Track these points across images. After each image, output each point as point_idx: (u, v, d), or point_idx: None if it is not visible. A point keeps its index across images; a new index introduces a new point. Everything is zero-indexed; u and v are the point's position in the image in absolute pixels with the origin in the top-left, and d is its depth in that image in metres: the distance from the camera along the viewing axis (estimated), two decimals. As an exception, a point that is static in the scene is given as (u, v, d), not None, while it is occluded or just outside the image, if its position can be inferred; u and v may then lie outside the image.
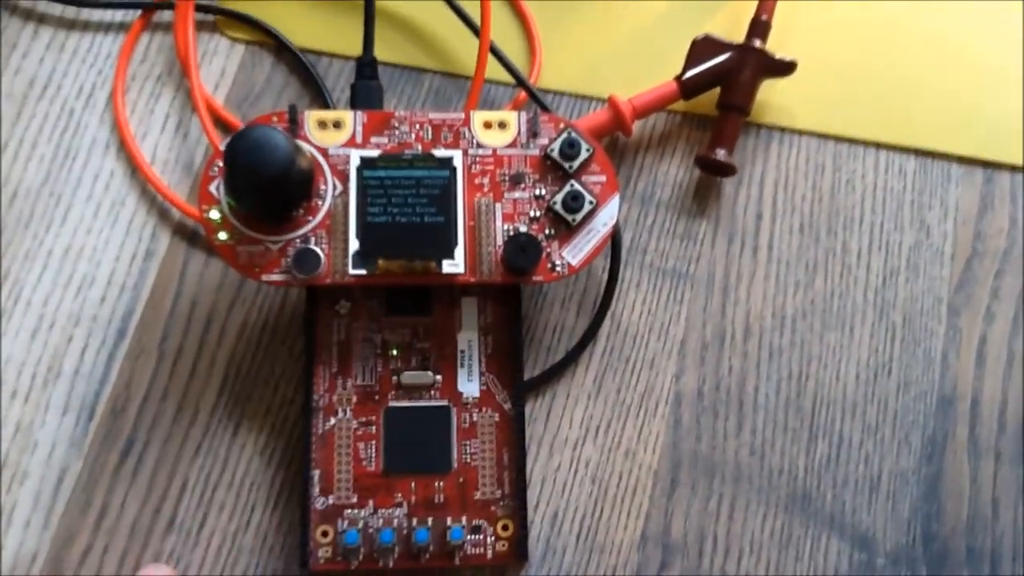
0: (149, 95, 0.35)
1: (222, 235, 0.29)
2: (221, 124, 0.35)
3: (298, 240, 0.29)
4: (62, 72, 0.35)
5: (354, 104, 0.33)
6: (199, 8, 0.36)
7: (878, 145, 0.35)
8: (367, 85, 0.33)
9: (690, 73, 0.34)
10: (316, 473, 0.30)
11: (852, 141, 0.35)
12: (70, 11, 0.36)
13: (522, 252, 0.29)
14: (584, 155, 0.30)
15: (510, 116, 0.31)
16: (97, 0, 0.36)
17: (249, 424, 0.32)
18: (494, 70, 0.35)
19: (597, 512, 0.31)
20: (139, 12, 0.36)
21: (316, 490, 0.30)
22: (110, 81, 0.35)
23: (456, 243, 0.29)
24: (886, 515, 0.31)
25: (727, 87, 0.34)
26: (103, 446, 0.31)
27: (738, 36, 0.34)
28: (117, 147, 0.35)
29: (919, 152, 0.35)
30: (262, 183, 0.27)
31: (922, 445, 0.32)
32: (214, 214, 0.29)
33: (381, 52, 0.34)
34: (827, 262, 0.34)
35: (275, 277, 0.29)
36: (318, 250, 0.29)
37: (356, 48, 0.35)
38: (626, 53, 0.36)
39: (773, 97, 0.35)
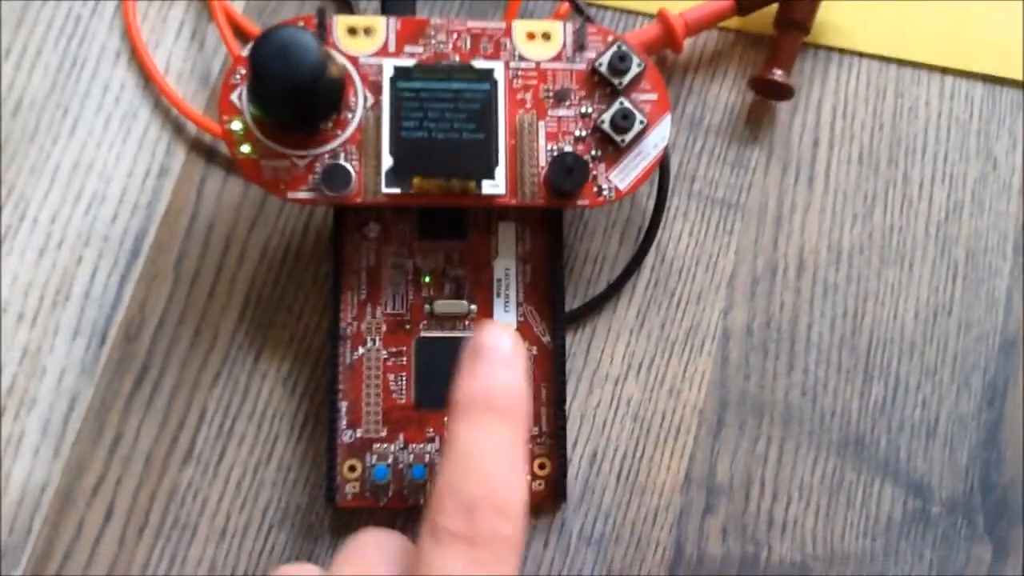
0: (162, 1, 0.33)
1: (245, 148, 0.27)
2: (240, 33, 0.32)
3: (327, 155, 0.27)
4: (68, -25, 0.33)
5: (385, 11, 0.30)
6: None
7: (943, 70, 0.33)
8: (398, -10, 0.30)
9: (747, -13, 0.31)
10: (344, 405, 0.28)
11: (916, 65, 0.33)
12: (76, -92, 0.33)
13: (568, 173, 0.27)
14: (635, 71, 0.28)
15: (555, 27, 0.29)
16: None
17: (271, 352, 0.30)
18: (534, -19, 0.32)
19: (639, 452, 0.30)
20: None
21: (343, 422, 0.28)
22: (120, -15, 0.33)
23: (497, 162, 0.27)
24: (943, 462, 0.30)
25: (786, 3, 0.31)
26: (116, 372, 0.30)
27: (798, -51, 0.32)
28: (128, 56, 0.32)
29: (987, 79, 0.33)
30: (291, 88, 0.25)
31: (983, 389, 0.30)
32: (236, 125, 0.27)
33: (412, -41, 0.32)
34: (887, 194, 0.32)
35: (302, 195, 0.27)
36: (348, 166, 0.27)
37: (386, -47, 0.32)
38: (676, -34, 0.33)
39: (833, 17, 0.33)
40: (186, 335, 0.30)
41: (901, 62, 0.33)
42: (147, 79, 0.32)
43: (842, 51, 0.33)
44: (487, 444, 0.22)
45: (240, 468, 0.29)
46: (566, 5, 0.32)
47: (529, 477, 0.28)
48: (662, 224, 0.31)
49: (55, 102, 0.32)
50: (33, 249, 0.30)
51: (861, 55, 0.33)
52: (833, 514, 0.29)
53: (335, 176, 0.27)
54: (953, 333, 0.31)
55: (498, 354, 0.23)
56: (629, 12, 0.33)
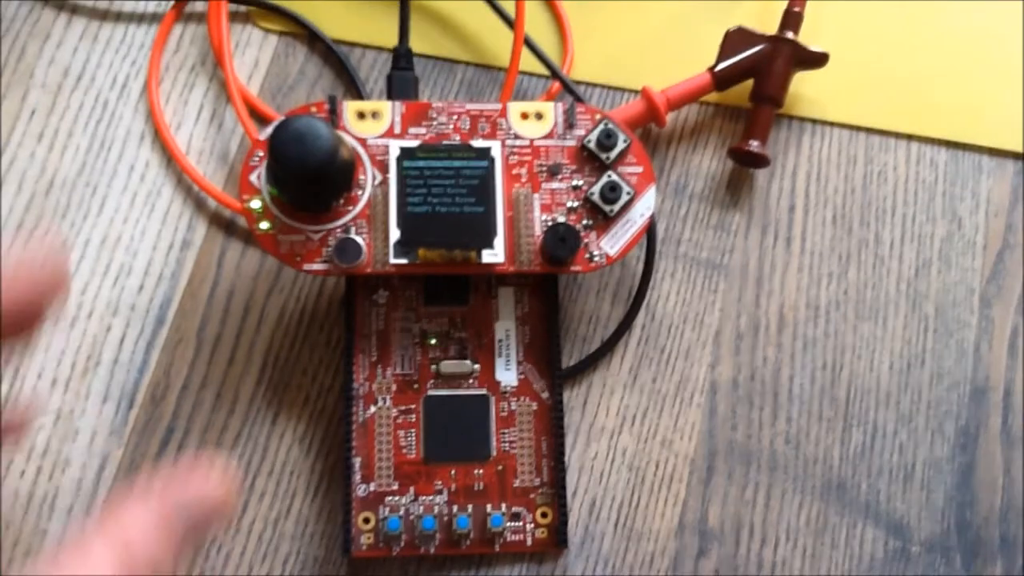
0: (183, 86, 0.35)
1: (264, 224, 0.29)
2: (255, 115, 0.35)
3: (339, 229, 0.30)
4: (96, 63, 0.36)
5: (390, 95, 0.33)
6: (232, -1, 0.36)
7: (909, 137, 0.35)
8: (403, 76, 0.33)
9: (723, 65, 0.34)
10: (357, 460, 0.30)
11: (883, 133, 0.35)
12: (103, 2, 0.36)
13: (561, 242, 0.30)
14: (621, 146, 0.31)
15: (547, 107, 0.31)
16: (131, -9, 0.36)
17: (288, 412, 0.32)
18: (526, 62, 0.35)
19: (634, 500, 0.32)
20: (172, 2, 0.36)
21: (358, 477, 0.30)
22: (144, 72, 0.35)
23: (495, 233, 0.30)
24: (920, 504, 0.32)
25: (760, 79, 0.34)
26: (143, 434, 0.32)
27: (769, 28, 0.34)
28: (152, 137, 0.35)
29: (950, 144, 0.35)
30: (307, 172, 0.28)
31: (956, 435, 0.32)
32: (256, 203, 0.30)
33: (413, 43, 0.34)
34: (860, 253, 0.34)
35: (317, 266, 0.29)
36: (359, 239, 0.29)
37: (388, 39, 0.35)
38: (658, 44, 0.36)
39: (805, 89, 0.35)
40: (208, 398, 0.32)
41: (870, 130, 0.35)
42: (170, 158, 0.35)
43: (814, 121, 0.35)
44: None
45: (261, 523, 0.31)
46: (557, 85, 0.35)
47: (533, 525, 0.30)
48: (651, 285, 0.33)
49: (85, 181, 0.34)
50: (65, 318, 0.33)
51: (832, 124, 0.35)
52: (819, 555, 0.31)
53: (347, 249, 0.29)
54: (926, 383, 0.33)
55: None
56: (615, 88, 0.36)
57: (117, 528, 0.20)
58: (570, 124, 0.31)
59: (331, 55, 0.36)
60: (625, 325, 0.33)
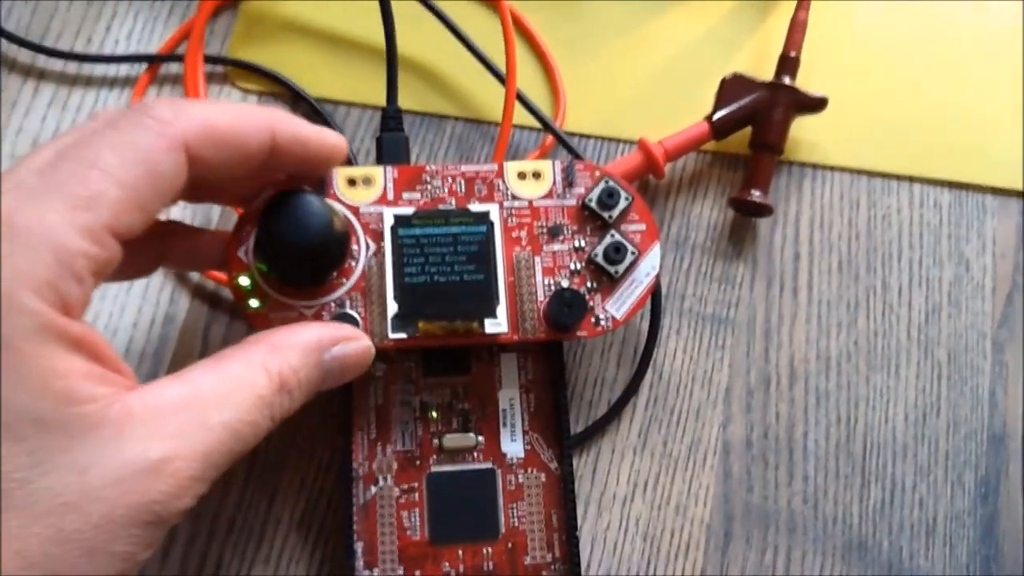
0: (159, 151, 0.34)
1: (254, 302, 0.28)
2: (237, 179, 0.33)
3: (333, 304, 0.28)
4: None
5: (380, 158, 0.32)
6: (208, 59, 0.34)
7: (911, 178, 0.35)
8: (393, 137, 0.32)
9: (721, 113, 0.33)
10: (360, 545, 0.29)
11: (885, 175, 0.35)
12: (72, 66, 0.35)
13: (568, 309, 0.28)
14: (623, 204, 0.30)
15: (544, 166, 0.30)
16: (101, 55, 0.34)
17: (284, 495, 0.30)
18: (518, 115, 0.34)
19: (651, 571, 0.30)
20: (145, 65, 0.35)
21: (361, 563, 0.28)
22: (118, 137, 0.34)
23: (498, 300, 0.28)
24: (944, 560, 0.31)
25: (759, 126, 0.33)
26: (131, 526, 0.30)
27: (765, 74, 0.34)
28: (129, 207, 0.33)
29: (953, 184, 0.35)
30: (301, 251, 0.26)
31: (976, 485, 0.32)
32: (244, 280, 0.28)
33: (400, 99, 0.33)
34: (868, 301, 0.33)
35: (311, 344, 0.28)
36: (355, 314, 0.28)
37: (374, 97, 0.34)
38: (651, 94, 0.35)
39: (803, 134, 0.35)
40: (199, 483, 0.30)
41: (871, 173, 0.35)
42: (149, 228, 0.33)
43: (815, 166, 0.35)
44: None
45: (260, 615, 0.29)
46: (551, 138, 0.34)
47: (546, 604, 0.29)
48: (657, 343, 0.32)
49: (59, 256, 0.32)
50: (43, 405, 0.31)
51: (833, 168, 0.35)
52: (844, 621, 0.30)
53: (343, 325, 0.28)
54: (943, 432, 0.32)
55: None
56: (610, 139, 0.35)
57: (278, 344, 0.24)
58: (569, 182, 0.30)
59: (315, 114, 0.34)
60: (633, 387, 0.32)
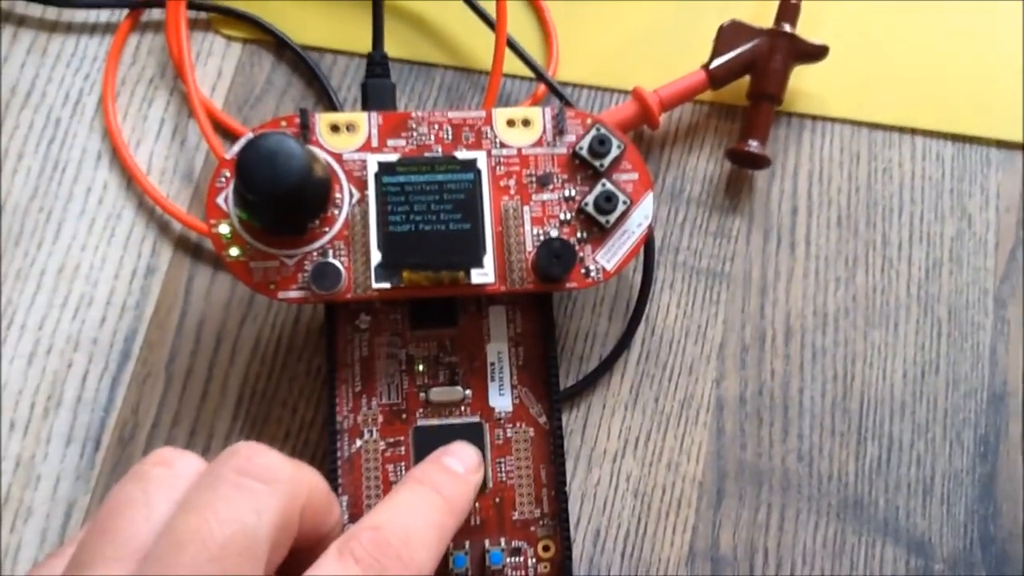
0: (141, 100, 0.33)
1: (233, 251, 0.27)
2: (221, 129, 0.33)
3: (315, 253, 0.27)
4: (46, 78, 0.33)
5: (365, 105, 0.31)
6: (191, 5, 0.33)
7: (913, 131, 0.34)
8: (379, 83, 0.31)
9: (719, 61, 0.32)
10: (344, 499, 0.28)
11: (887, 128, 0.34)
12: (51, 12, 0.34)
13: (556, 259, 0.28)
14: (615, 152, 0.29)
15: (534, 113, 0.29)
16: (81, 0, 0.33)
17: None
18: (509, 64, 0.33)
19: (641, 528, 0.30)
20: (126, 11, 0.34)
21: (345, 517, 0.28)
22: (98, 86, 0.33)
23: (485, 251, 0.28)
24: (941, 519, 0.30)
25: (757, 75, 0.32)
26: (112, 478, 0.29)
27: (765, 21, 0.33)
28: (110, 157, 0.32)
29: (956, 137, 0.34)
30: (278, 196, 0.25)
31: (975, 444, 0.31)
32: (224, 228, 0.27)
33: (388, 47, 0.32)
34: (867, 256, 0.32)
35: (292, 294, 0.27)
36: (337, 263, 0.27)
37: (361, 44, 0.33)
38: (647, 42, 0.34)
39: (803, 84, 0.34)
40: (181, 435, 0.30)
41: (872, 125, 0.34)
42: (130, 179, 0.32)
43: (814, 117, 0.34)
44: (420, 511, 0.23)
45: (242, 570, 0.29)
46: (543, 87, 0.33)
47: (535, 560, 0.28)
48: (650, 297, 0.31)
49: (38, 206, 0.32)
50: (22, 356, 0.30)
51: (833, 120, 0.34)
52: (837, 579, 0.30)
53: (325, 275, 0.27)
54: (942, 390, 0.31)
55: (461, 461, 0.26)
56: (604, 89, 0.34)
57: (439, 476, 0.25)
58: (560, 130, 0.29)
59: (300, 63, 0.33)
60: (624, 341, 0.31)
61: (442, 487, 0.25)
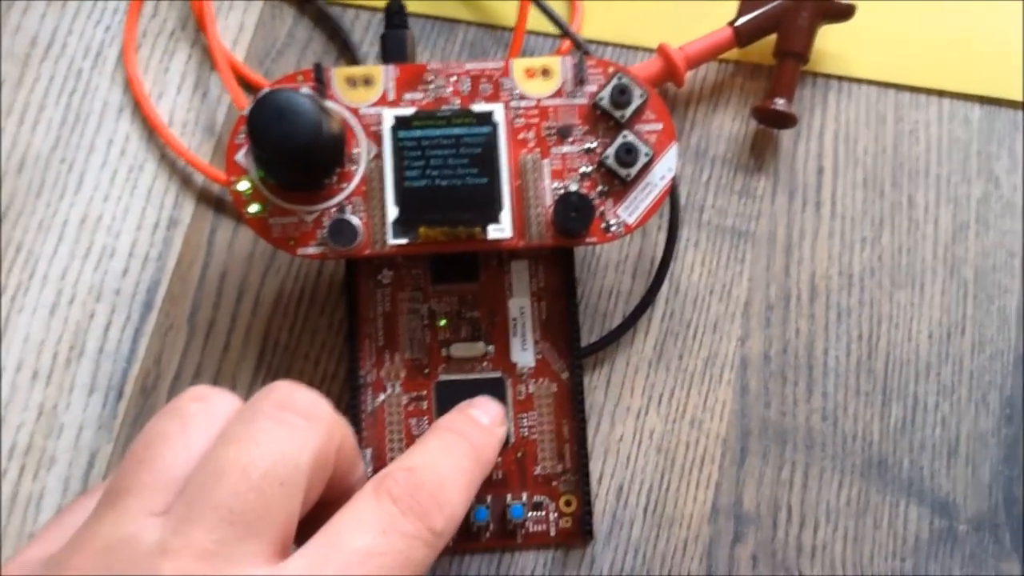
0: (163, 52, 0.33)
1: (253, 207, 0.27)
2: (242, 82, 0.32)
3: (333, 209, 0.27)
4: (67, 30, 0.33)
5: (384, 57, 0.30)
6: (214, -41, 0.33)
7: (941, 93, 0.33)
8: (397, 34, 0.30)
9: (745, 19, 0.32)
10: (368, 452, 0.28)
11: (914, 89, 0.33)
12: (74, -35, 0.33)
13: (574, 213, 0.27)
14: (637, 102, 0.28)
15: (554, 62, 0.28)
16: (104, -48, 0.33)
17: (289, 402, 0.30)
18: (533, 20, 0.32)
19: (664, 484, 0.30)
20: (149, -36, 0.33)
21: (369, 470, 0.28)
22: (120, 38, 0.33)
23: (502, 206, 0.27)
24: (966, 480, 0.30)
25: (784, 32, 0.32)
26: (134, 427, 0.29)
27: (793, -22, 0.32)
28: (131, 109, 0.32)
29: (984, 100, 0.33)
30: (289, 153, 0.25)
31: (1000, 406, 0.31)
32: (243, 185, 0.27)
33: (411, 3, 0.32)
34: (893, 217, 0.32)
35: (311, 250, 0.27)
36: (354, 220, 0.27)
37: (385, -2, 0.33)
38: (673, -1, 0.34)
39: (830, 44, 0.33)
40: (202, 388, 0.30)
41: (899, 86, 0.33)
42: (152, 131, 0.32)
43: (841, 78, 0.33)
44: (451, 456, 0.24)
45: (263, 520, 0.29)
46: (567, 44, 0.33)
47: (557, 514, 0.28)
48: (674, 255, 0.31)
49: (60, 157, 0.32)
50: (44, 306, 0.30)
51: (860, 81, 0.33)
52: (861, 537, 0.29)
53: (341, 231, 0.27)
54: (967, 352, 0.31)
55: (486, 413, 0.27)
56: (629, 47, 0.33)
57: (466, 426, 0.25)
58: (580, 80, 0.28)
59: (322, 17, 0.33)
60: (648, 299, 0.31)
61: (470, 435, 0.25)
